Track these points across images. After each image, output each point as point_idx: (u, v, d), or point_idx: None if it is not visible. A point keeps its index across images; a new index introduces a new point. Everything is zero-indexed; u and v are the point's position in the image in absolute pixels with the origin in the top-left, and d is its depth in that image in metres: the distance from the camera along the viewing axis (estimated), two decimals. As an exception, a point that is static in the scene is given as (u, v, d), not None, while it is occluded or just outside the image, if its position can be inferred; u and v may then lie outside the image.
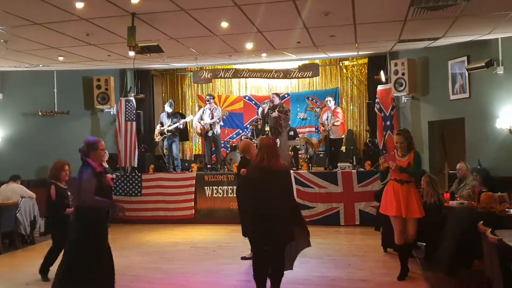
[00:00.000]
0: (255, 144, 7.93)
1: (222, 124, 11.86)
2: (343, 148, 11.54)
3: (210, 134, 11.15)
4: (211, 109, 11.25)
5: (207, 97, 11.53)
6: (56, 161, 6.82)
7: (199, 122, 11.26)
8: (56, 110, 11.00)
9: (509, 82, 7.87)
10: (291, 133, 11.57)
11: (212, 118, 11.12)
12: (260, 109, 11.62)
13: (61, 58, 9.01)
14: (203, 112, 11.34)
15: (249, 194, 5.01)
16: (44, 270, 6.48)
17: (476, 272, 5.87)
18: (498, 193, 6.72)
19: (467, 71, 8.63)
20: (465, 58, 8.77)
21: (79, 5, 5.68)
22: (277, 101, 10.93)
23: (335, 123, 10.41)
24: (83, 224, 4.82)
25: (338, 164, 10.34)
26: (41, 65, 9.87)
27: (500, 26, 7.12)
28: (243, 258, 7.27)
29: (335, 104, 10.84)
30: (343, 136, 11.22)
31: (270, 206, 4.82)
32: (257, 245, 5.08)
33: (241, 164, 6.97)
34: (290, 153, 11.55)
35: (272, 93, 11.39)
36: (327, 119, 10.65)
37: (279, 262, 5.02)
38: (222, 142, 12.48)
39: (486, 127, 8.32)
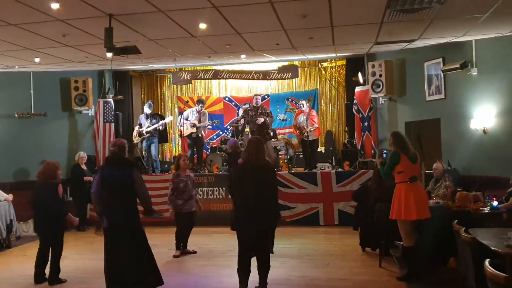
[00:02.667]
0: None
1: (211, 127, 11.86)
2: (322, 149, 11.62)
3: (194, 135, 11.12)
4: (200, 112, 11.21)
5: (198, 103, 11.44)
6: (47, 161, 6.66)
7: (186, 121, 11.18)
8: (33, 112, 10.86)
9: (483, 83, 8.04)
10: (271, 133, 11.61)
11: (199, 122, 11.09)
12: (241, 111, 11.59)
13: (37, 60, 8.89)
14: (190, 113, 11.30)
15: (239, 186, 5.45)
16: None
17: (451, 270, 5.98)
18: (472, 192, 6.86)
19: (443, 72, 8.80)
20: (440, 59, 8.93)
21: (55, 6, 5.62)
22: (260, 102, 11.01)
23: (312, 129, 10.49)
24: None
25: (317, 165, 10.42)
26: (17, 67, 9.74)
27: (473, 28, 7.27)
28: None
29: (309, 107, 10.88)
30: (318, 138, 11.30)
31: (259, 197, 5.28)
32: (246, 236, 5.37)
33: (232, 158, 7.69)
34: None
35: (255, 94, 11.39)
36: (303, 122, 10.65)
37: (265, 252, 5.44)
38: (203, 143, 12.47)
39: (461, 128, 8.48)
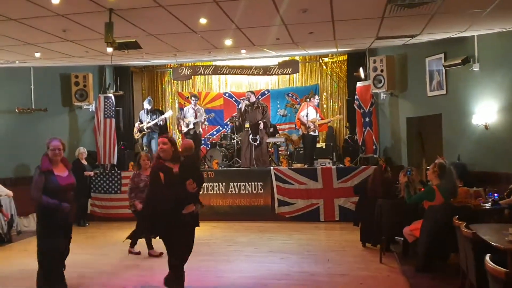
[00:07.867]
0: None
1: (207, 123, 11.87)
2: (322, 145, 11.60)
3: (192, 132, 11.10)
4: (195, 109, 11.22)
5: (192, 98, 11.49)
6: None
7: (182, 120, 11.19)
8: (33, 107, 10.82)
9: (485, 79, 8.01)
10: (271, 129, 11.60)
11: (196, 118, 11.09)
12: (239, 106, 11.62)
13: (37, 55, 8.86)
14: (186, 111, 11.30)
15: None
16: None
17: (452, 265, 5.97)
18: (474, 188, 6.85)
19: (444, 68, 8.76)
20: (442, 55, 8.90)
21: (55, 1, 5.59)
22: (253, 98, 11.02)
23: (320, 120, 10.53)
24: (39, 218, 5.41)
25: (318, 161, 10.39)
26: (17, 62, 9.70)
27: (475, 23, 7.23)
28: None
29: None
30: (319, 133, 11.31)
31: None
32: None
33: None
34: (270, 149, 11.59)
35: (248, 91, 11.47)
36: (309, 115, 10.62)
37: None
38: (202, 139, 12.45)
39: (462, 123, 8.45)
